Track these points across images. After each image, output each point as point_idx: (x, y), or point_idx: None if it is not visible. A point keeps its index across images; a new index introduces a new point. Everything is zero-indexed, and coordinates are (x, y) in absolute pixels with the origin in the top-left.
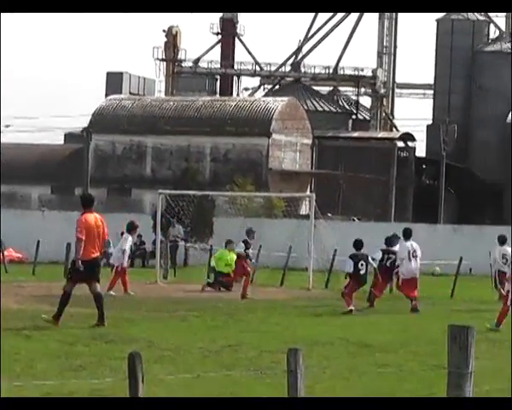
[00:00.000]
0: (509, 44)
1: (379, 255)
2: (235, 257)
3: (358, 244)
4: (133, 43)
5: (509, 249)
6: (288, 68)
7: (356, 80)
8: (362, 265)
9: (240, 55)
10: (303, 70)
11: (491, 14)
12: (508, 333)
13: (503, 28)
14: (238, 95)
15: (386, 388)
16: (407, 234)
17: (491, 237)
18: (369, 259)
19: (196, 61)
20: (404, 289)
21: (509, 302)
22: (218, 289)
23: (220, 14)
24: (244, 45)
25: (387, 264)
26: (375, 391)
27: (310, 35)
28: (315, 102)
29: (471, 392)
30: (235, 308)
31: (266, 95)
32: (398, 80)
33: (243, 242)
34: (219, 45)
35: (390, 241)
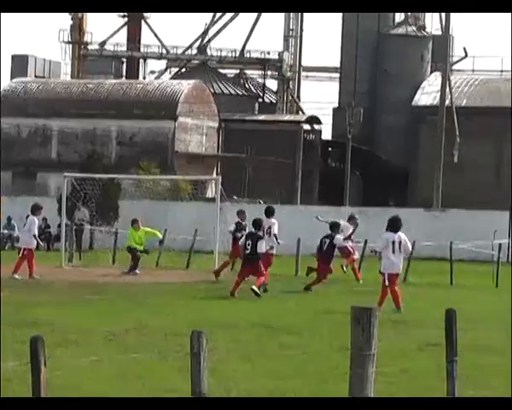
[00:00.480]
0: (414, 28)
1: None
2: (143, 234)
3: (255, 224)
4: (39, 26)
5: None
6: (194, 51)
7: (262, 63)
8: (248, 245)
9: (146, 37)
10: (209, 53)
11: None
12: (407, 314)
13: (409, 12)
14: (144, 78)
15: (291, 370)
16: (268, 212)
17: None
18: (259, 241)
19: (102, 44)
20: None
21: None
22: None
23: None
24: (150, 28)
25: (324, 247)
26: (279, 373)
27: (216, 18)
28: (221, 85)
29: (373, 373)
30: (140, 291)
31: (173, 78)
32: (304, 63)
33: (237, 224)
34: (125, 28)
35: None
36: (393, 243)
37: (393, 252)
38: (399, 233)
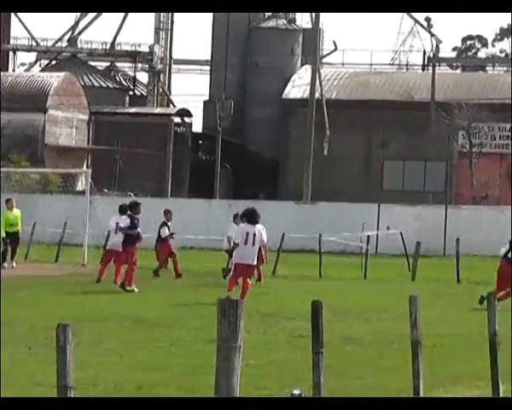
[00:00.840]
0: (284, 21)
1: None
2: (18, 214)
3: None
4: None
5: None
6: (64, 44)
7: (133, 56)
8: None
9: (16, 30)
10: (79, 45)
11: None
12: (276, 307)
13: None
14: (14, 70)
15: (159, 362)
16: (122, 209)
17: (266, 211)
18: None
19: None
20: (117, 262)
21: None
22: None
23: None
24: (20, 20)
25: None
26: (147, 366)
27: None
28: (91, 78)
29: (240, 365)
30: (7, 284)
31: (42, 70)
32: (175, 56)
33: (163, 224)
34: None
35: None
36: (248, 234)
37: (246, 243)
38: (257, 225)
